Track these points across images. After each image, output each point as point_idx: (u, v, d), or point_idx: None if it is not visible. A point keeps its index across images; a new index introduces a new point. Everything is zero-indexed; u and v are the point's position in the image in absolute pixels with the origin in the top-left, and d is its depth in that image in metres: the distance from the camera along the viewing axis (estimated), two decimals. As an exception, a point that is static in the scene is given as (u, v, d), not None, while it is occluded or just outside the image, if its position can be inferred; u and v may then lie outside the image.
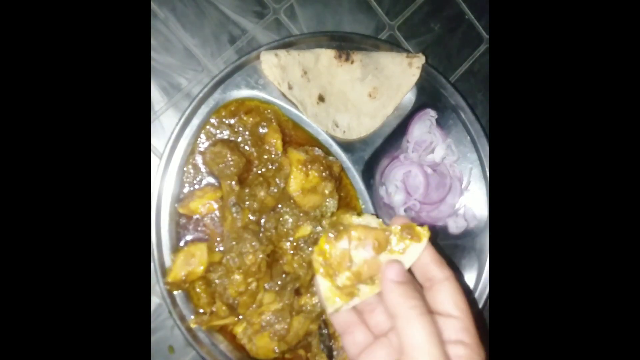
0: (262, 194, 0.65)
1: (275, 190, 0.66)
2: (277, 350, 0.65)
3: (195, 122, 0.68)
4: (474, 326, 0.42)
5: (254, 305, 0.65)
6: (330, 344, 0.69)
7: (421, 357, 0.38)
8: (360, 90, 0.73)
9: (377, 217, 0.49)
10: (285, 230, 0.65)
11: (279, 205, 0.65)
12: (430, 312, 0.41)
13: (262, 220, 0.66)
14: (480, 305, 0.76)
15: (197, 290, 0.66)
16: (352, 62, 0.72)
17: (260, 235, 0.64)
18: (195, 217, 0.68)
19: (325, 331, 0.68)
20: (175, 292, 0.66)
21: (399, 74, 0.74)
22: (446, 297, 0.43)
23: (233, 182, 0.64)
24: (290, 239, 0.65)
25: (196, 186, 0.69)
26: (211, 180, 0.69)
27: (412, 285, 0.42)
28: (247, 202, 0.65)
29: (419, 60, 0.74)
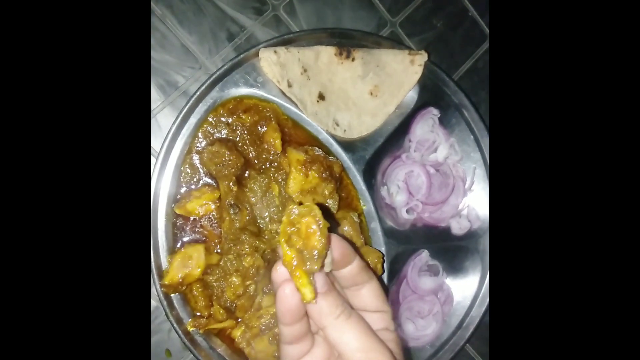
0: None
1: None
2: (276, 355, 0.64)
3: (193, 120, 0.67)
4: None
5: (253, 309, 0.64)
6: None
7: (361, 355, 0.41)
8: (361, 89, 0.72)
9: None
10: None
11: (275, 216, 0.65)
12: (353, 308, 0.44)
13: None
14: (483, 308, 0.75)
15: (195, 293, 0.65)
16: (353, 59, 0.71)
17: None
18: (192, 218, 0.67)
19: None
20: (172, 295, 0.66)
21: (400, 72, 0.73)
22: (374, 296, 0.45)
23: (231, 183, 0.63)
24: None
25: (193, 186, 0.68)
26: (209, 180, 0.68)
27: (334, 291, 0.43)
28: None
29: (421, 57, 0.72)
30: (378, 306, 0.45)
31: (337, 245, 0.42)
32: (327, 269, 0.42)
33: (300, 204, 0.41)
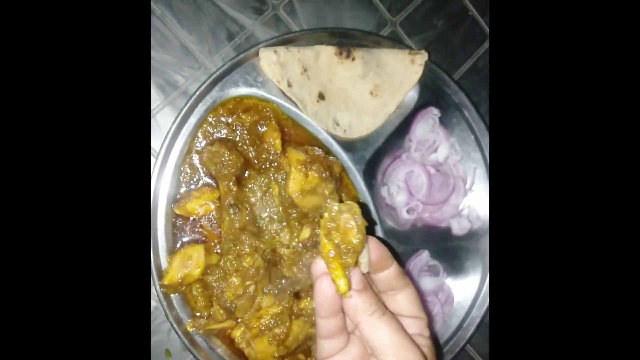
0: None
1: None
2: (276, 355, 0.64)
3: (192, 120, 0.67)
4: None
5: (252, 309, 0.64)
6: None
7: (392, 351, 0.42)
8: (362, 88, 0.72)
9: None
10: (280, 239, 0.63)
11: (275, 217, 0.65)
12: (386, 309, 0.45)
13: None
14: (484, 309, 0.74)
15: (194, 293, 0.65)
16: (353, 59, 0.70)
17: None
18: (192, 218, 0.67)
19: (325, 335, 0.66)
20: (171, 295, 0.65)
21: (401, 72, 0.73)
22: (409, 302, 0.47)
23: (231, 183, 0.63)
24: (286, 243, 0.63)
25: (193, 186, 0.67)
26: (208, 180, 0.68)
27: (370, 290, 0.45)
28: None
29: (422, 57, 0.72)
30: (413, 312, 0.46)
31: (375, 248, 0.44)
32: (364, 269, 0.44)
33: (341, 201, 0.43)
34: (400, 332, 0.43)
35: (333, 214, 0.43)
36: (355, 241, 0.42)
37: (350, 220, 0.42)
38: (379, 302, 0.44)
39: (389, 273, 0.45)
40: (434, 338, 0.48)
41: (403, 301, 0.46)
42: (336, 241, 0.42)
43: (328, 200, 0.44)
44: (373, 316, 0.43)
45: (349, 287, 0.42)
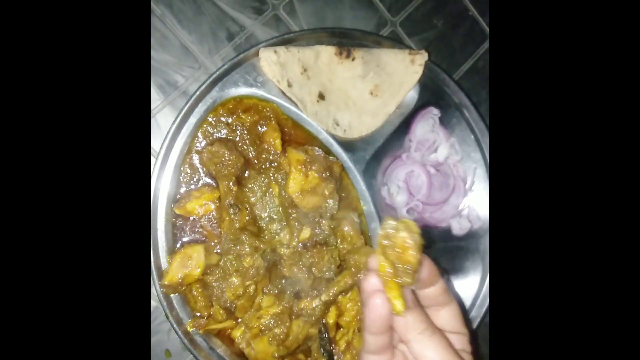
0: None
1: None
2: (276, 355, 0.64)
3: (192, 120, 0.67)
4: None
5: (252, 309, 0.64)
6: (331, 348, 0.67)
7: None
8: (362, 88, 0.72)
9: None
10: (280, 239, 0.63)
11: (274, 216, 0.65)
12: (436, 327, 0.45)
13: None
14: (484, 309, 0.74)
15: (194, 293, 0.65)
16: (353, 59, 0.70)
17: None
18: (192, 218, 0.67)
19: (325, 335, 0.66)
20: (171, 295, 0.65)
21: (401, 72, 0.73)
22: (453, 318, 0.46)
23: (231, 183, 0.63)
24: (286, 244, 0.63)
25: (193, 186, 0.67)
26: (208, 180, 0.68)
27: (420, 308, 0.44)
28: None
29: (422, 57, 0.72)
30: (456, 328, 0.46)
31: (426, 265, 0.43)
32: (413, 286, 0.43)
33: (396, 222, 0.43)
34: (449, 351, 0.43)
35: (389, 231, 0.42)
36: (413, 260, 0.41)
37: (408, 239, 0.41)
38: (428, 320, 0.44)
39: (435, 289, 0.45)
40: (475, 354, 0.48)
41: (447, 317, 0.46)
42: (392, 259, 0.41)
43: (385, 218, 0.43)
44: (424, 334, 0.43)
45: (405, 307, 0.41)
